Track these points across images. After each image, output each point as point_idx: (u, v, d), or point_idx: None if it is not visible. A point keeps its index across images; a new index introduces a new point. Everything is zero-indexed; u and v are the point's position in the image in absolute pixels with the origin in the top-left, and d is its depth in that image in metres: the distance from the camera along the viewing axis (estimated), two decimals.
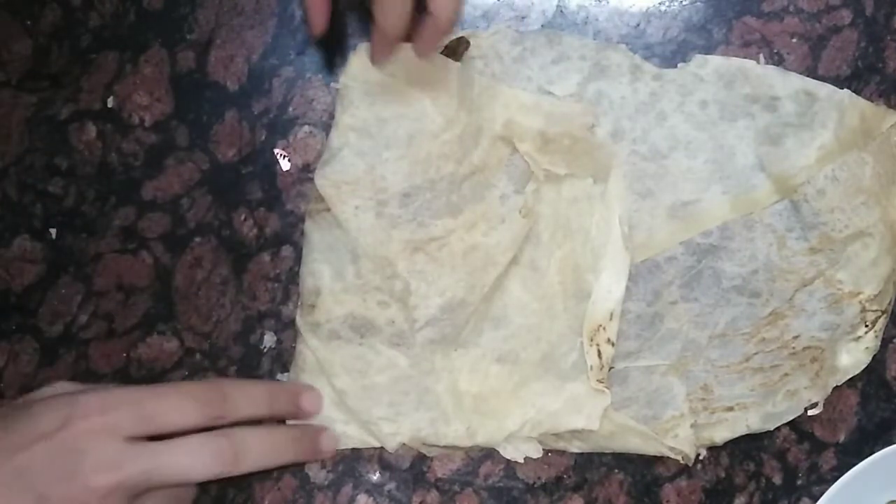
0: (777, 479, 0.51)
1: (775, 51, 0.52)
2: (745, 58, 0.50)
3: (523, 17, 0.52)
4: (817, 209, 0.49)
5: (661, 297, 0.50)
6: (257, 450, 0.44)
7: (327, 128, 0.50)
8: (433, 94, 0.48)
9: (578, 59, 0.49)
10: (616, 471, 0.51)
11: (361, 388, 0.49)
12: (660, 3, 0.52)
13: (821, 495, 0.48)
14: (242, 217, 0.51)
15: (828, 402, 0.51)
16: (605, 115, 0.49)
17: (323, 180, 0.48)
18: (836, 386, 0.51)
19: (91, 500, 0.41)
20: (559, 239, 0.49)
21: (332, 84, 0.52)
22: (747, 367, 0.50)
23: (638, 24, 0.52)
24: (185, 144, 0.52)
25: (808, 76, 0.50)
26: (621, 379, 0.50)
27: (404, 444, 0.49)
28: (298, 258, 0.51)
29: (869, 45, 0.52)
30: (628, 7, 0.52)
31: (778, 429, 0.51)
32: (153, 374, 0.51)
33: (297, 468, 0.50)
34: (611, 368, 0.49)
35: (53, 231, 0.51)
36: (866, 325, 0.50)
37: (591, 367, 0.49)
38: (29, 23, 0.52)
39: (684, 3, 0.52)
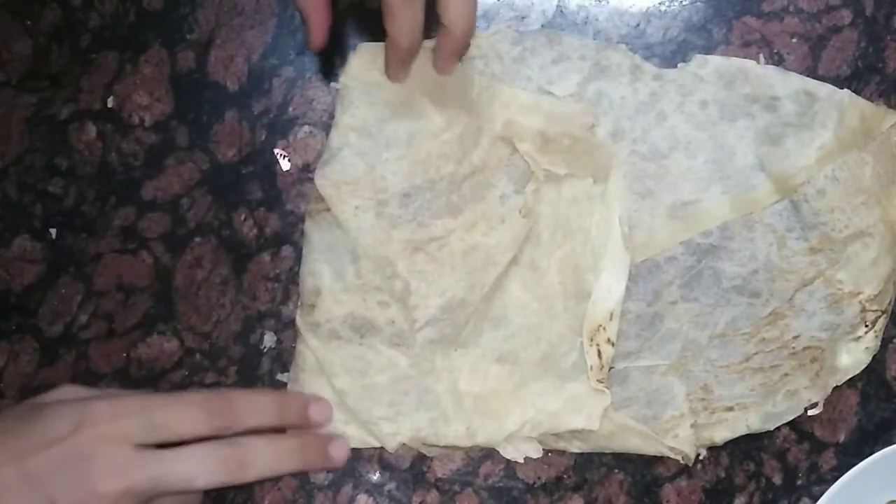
0: (777, 479, 0.51)
1: (775, 51, 0.52)
2: (745, 58, 0.50)
3: (523, 17, 0.52)
4: (817, 209, 0.49)
5: (661, 297, 0.50)
6: (264, 458, 0.44)
7: (327, 128, 0.50)
8: (433, 94, 0.48)
9: (578, 59, 0.49)
10: (616, 471, 0.51)
11: (361, 388, 0.49)
12: (660, 3, 0.52)
13: (821, 495, 0.48)
14: (242, 217, 0.51)
15: (828, 402, 0.51)
16: (605, 115, 0.49)
17: (323, 180, 0.48)
18: (836, 386, 0.51)
19: None
20: (559, 239, 0.49)
21: (332, 84, 0.52)
22: (747, 367, 0.50)
23: (638, 24, 0.52)
24: (185, 144, 0.52)
25: (808, 76, 0.50)
26: (621, 379, 0.50)
27: (404, 444, 0.49)
28: (298, 258, 0.51)
29: (869, 45, 0.52)
30: (628, 7, 0.52)
31: (778, 429, 0.51)
32: (153, 374, 0.51)
33: None
34: (611, 368, 0.49)
35: (53, 231, 0.51)
36: (866, 325, 0.50)
37: (591, 367, 0.49)
38: (29, 23, 0.52)
39: (684, 3, 0.52)
